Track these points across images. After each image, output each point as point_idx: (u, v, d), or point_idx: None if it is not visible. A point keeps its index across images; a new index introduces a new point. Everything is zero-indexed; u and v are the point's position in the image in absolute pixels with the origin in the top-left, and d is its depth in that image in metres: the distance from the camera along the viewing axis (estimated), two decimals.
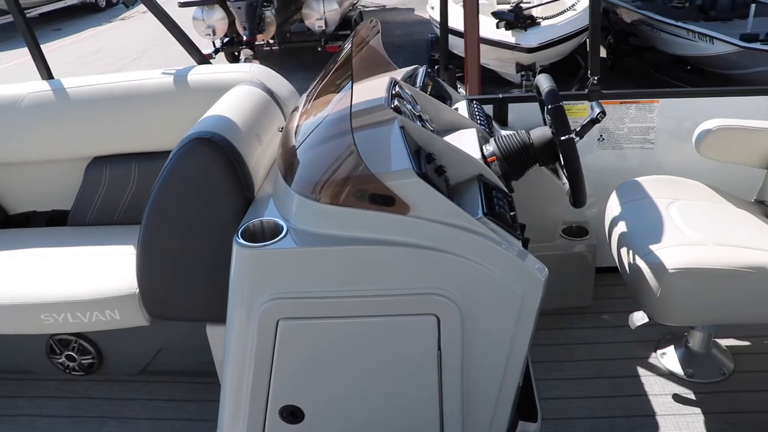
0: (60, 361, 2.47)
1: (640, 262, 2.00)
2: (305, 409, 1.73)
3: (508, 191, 1.85)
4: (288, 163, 1.76)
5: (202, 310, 2.06)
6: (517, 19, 7.19)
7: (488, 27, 7.22)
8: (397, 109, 1.79)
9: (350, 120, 1.64)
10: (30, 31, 2.81)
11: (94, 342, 2.43)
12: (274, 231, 1.67)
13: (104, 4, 17.56)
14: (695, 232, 2.07)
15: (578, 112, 2.72)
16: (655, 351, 2.51)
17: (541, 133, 1.98)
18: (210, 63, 2.83)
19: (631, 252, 2.08)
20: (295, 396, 1.71)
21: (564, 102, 2.12)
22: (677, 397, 2.28)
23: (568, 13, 7.70)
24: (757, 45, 6.46)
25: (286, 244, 1.59)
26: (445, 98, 2.38)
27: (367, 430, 1.77)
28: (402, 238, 1.57)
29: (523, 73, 7.39)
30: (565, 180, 1.99)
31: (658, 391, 2.32)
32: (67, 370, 2.49)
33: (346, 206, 1.58)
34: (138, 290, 2.12)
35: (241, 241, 1.62)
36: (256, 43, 9.12)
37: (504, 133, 2.04)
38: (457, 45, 7.12)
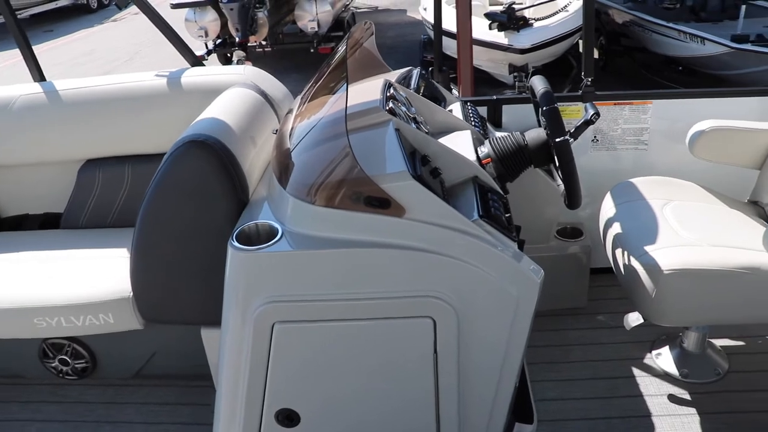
0: (53, 365, 2.45)
1: (636, 263, 2.01)
2: (301, 413, 1.72)
3: (503, 193, 1.85)
4: (283, 165, 1.75)
5: (196, 313, 2.05)
6: (509, 21, 7.21)
7: (481, 28, 7.22)
8: (391, 111, 1.78)
9: (345, 122, 1.64)
10: (22, 33, 2.79)
11: (87, 346, 2.41)
12: (269, 234, 1.66)
13: (96, 5, 17.47)
14: (690, 233, 2.07)
15: (572, 113, 2.73)
16: (650, 351, 2.51)
17: (536, 134, 1.98)
18: (203, 65, 2.81)
19: (626, 253, 2.08)
20: (291, 399, 1.71)
21: (558, 103, 2.12)
22: (672, 398, 2.29)
23: (560, 15, 7.72)
24: (747, 46, 6.50)
25: (282, 247, 1.58)
26: (439, 100, 2.38)
27: None
28: (397, 240, 1.56)
29: (515, 74, 7.41)
30: (559, 181, 1.99)
31: (654, 392, 2.32)
32: (61, 375, 2.47)
33: (342, 209, 1.57)
34: (132, 294, 2.11)
35: (237, 244, 1.61)
36: (249, 44, 9.09)
37: (499, 134, 2.04)
38: (449, 46, 7.12)
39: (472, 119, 2.26)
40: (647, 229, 2.11)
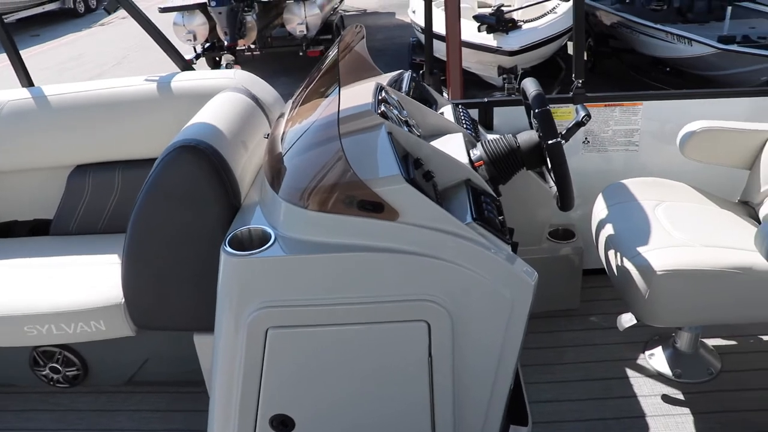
0: (44, 373, 2.42)
1: (628, 265, 2.01)
2: (296, 418, 1.72)
3: (496, 195, 1.85)
4: (275, 170, 1.74)
5: (188, 319, 2.04)
6: (498, 23, 7.24)
7: (470, 30, 7.25)
8: (384, 115, 1.78)
9: (338, 126, 1.63)
10: (9, 38, 2.76)
11: (78, 353, 2.39)
12: (262, 239, 1.65)
13: (83, 9, 17.39)
14: (682, 233, 2.08)
15: (563, 115, 2.73)
16: (644, 352, 2.52)
17: (528, 137, 1.98)
18: (193, 68, 2.80)
19: (618, 254, 2.09)
20: (286, 405, 1.70)
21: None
22: (666, 398, 2.29)
23: (548, 17, 7.77)
24: (734, 47, 6.56)
25: (275, 252, 1.57)
26: (431, 103, 2.38)
27: None
28: (391, 244, 1.56)
29: (505, 76, 7.44)
30: (551, 183, 1.99)
31: (647, 392, 2.33)
32: (52, 383, 2.45)
33: (335, 213, 1.57)
34: (123, 300, 2.09)
35: (229, 249, 1.60)
36: (238, 48, 9.09)
37: (490, 137, 2.04)
38: (438, 49, 7.13)
39: (463, 122, 2.26)
40: (639, 230, 2.12)
